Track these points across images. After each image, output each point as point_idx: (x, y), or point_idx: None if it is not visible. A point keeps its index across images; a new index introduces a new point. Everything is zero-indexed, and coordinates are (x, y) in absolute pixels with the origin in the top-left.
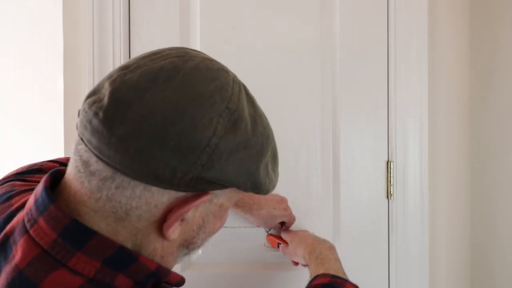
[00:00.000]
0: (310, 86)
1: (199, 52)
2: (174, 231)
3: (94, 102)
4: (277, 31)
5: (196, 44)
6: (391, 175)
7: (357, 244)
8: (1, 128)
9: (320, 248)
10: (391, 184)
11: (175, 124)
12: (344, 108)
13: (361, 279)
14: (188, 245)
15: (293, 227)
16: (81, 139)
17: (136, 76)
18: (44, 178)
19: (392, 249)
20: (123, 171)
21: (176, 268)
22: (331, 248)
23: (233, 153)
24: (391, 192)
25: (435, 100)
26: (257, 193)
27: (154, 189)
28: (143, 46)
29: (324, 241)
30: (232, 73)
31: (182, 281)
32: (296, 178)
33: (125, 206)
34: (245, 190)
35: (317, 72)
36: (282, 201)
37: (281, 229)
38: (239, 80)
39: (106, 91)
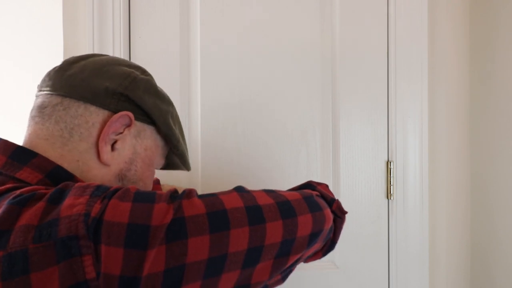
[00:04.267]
0: (310, 86)
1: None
2: (107, 154)
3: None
4: (277, 31)
5: (196, 44)
6: (391, 175)
7: (357, 244)
8: (1, 128)
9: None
10: (391, 184)
11: (105, 66)
12: (344, 108)
13: (361, 279)
14: (122, 177)
15: None
16: (37, 96)
17: (75, 56)
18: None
19: (392, 249)
20: (70, 96)
21: None
22: None
23: (148, 92)
24: (391, 192)
25: (435, 100)
26: (169, 141)
27: (93, 108)
28: (143, 46)
29: None
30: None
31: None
32: (296, 178)
33: (69, 125)
34: (160, 126)
35: (317, 72)
36: None
37: None
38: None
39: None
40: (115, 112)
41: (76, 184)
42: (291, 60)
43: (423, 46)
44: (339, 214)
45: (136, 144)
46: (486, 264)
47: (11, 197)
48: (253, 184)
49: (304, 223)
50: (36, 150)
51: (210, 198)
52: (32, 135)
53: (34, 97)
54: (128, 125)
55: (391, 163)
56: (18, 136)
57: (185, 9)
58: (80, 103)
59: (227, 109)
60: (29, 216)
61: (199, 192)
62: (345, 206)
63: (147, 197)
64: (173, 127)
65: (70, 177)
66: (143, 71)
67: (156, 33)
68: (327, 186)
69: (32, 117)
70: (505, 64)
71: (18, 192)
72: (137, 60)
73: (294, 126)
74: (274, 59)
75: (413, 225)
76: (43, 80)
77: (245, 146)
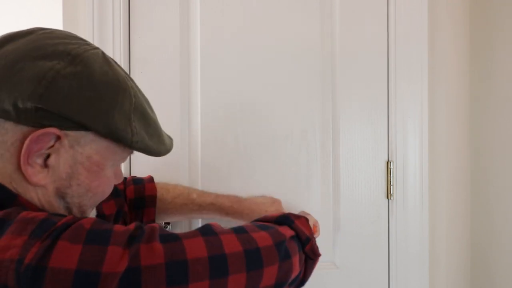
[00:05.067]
0: (310, 86)
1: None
2: (37, 175)
3: None
4: (277, 31)
5: (196, 43)
6: (391, 175)
7: (357, 244)
8: None
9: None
10: (391, 184)
11: (18, 63)
12: (344, 108)
13: (361, 279)
14: (63, 195)
15: None
16: None
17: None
18: None
19: (392, 249)
20: None
21: None
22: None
23: (76, 91)
24: (391, 192)
25: (435, 100)
26: (118, 140)
27: (8, 125)
28: (143, 46)
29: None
30: (96, 46)
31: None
32: (296, 178)
33: None
34: (99, 132)
35: (317, 72)
36: (275, 202)
37: None
38: (101, 50)
39: None
40: (35, 126)
41: (20, 216)
42: (291, 60)
43: (423, 46)
44: (312, 256)
45: (75, 154)
46: (486, 264)
47: None
48: (253, 185)
49: (270, 274)
50: None
51: (172, 244)
52: None
53: None
54: (57, 139)
55: (391, 163)
56: None
57: (185, 9)
58: None
59: (227, 109)
60: None
61: None
62: (345, 206)
63: (102, 237)
64: (122, 125)
65: (12, 196)
66: (75, 56)
67: (156, 33)
68: (306, 220)
69: None
70: (505, 64)
71: None
72: (137, 60)
73: (294, 126)
74: (274, 59)
75: (413, 225)
76: None
77: (245, 146)
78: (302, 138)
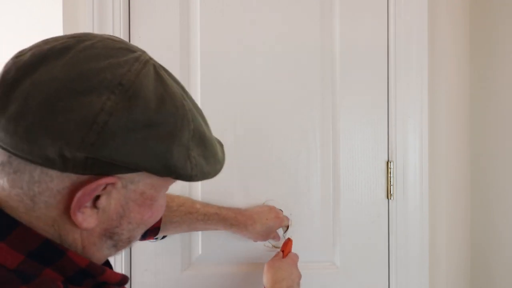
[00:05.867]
0: (310, 86)
1: (110, 35)
2: (87, 219)
3: None
4: (277, 31)
5: (196, 43)
6: (391, 175)
7: (357, 244)
8: None
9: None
10: (391, 184)
11: (60, 100)
12: (344, 108)
13: (361, 279)
14: (111, 235)
15: (293, 227)
16: None
17: (27, 57)
18: None
19: (392, 249)
20: (16, 154)
21: (176, 268)
22: None
23: (131, 132)
24: (391, 192)
25: (435, 100)
26: (177, 178)
27: (52, 172)
28: (143, 46)
29: (288, 280)
30: (142, 53)
31: (123, 279)
32: (296, 178)
33: (28, 192)
34: (157, 173)
35: (317, 72)
36: (271, 210)
37: (284, 233)
38: (150, 60)
39: None
40: (85, 174)
41: None
42: (291, 60)
43: (423, 46)
44: None
45: (127, 193)
46: (486, 264)
47: None
48: (253, 185)
49: None
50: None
51: None
52: None
53: None
54: (111, 183)
55: (391, 163)
56: None
57: (185, 9)
58: (33, 166)
59: (227, 109)
60: None
61: (199, 196)
62: (345, 206)
63: None
64: (181, 161)
65: (60, 253)
66: (127, 86)
67: (156, 33)
68: None
69: None
70: (505, 64)
71: None
72: None
73: (294, 126)
74: (274, 58)
75: (413, 225)
76: None
77: (245, 146)
78: (302, 138)
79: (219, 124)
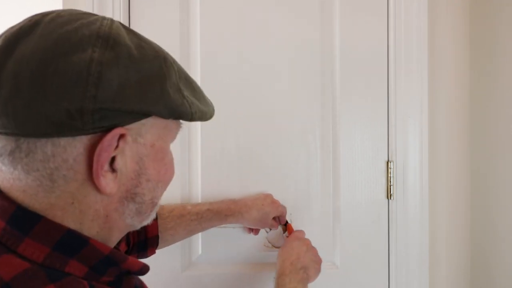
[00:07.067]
0: (310, 86)
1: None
2: (109, 184)
3: None
4: (277, 31)
5: (196, 43)
6: (391, 175)
7: (357, 244)
8: None
9: (290, 277)
10: (391, 184)
11: (49, 67)
12: (344, 108)
13: (361, 279)
14: (133, 197)
15: (293, 227)
16: None
17: (0, 43)
18: None
19: (392, 249)
20: (23, 134)
21: (176, 268)
22: (301, 281)
23: (125, 77)
24: (391, 192)
25: (435, 100)
26: (179, 117)
27: (63, 141)
28: None
29: (301, 270)
30: (105, 16)
31: (145, 268)
32: (296, 178)
33: (45, 172)
34: (161, 115)
35: (317, 72)
36: (267, 196)
37: (281, 224)
38: (116, 20)
39: None
40: (95, 132)
41: None
42: (291, 60)
43: (423, 46)
44: None
45: (138, 147)
46: (486, 264)
47: None
48: (253, 185)
49: None
50: (31, 208)
51: None
52: (6, 187)
53: None
54: (120, 137)
55: (391, 163)
56: None
57: (185, 8)
58: (44, 140)
59: (226, 108)
60: None
61: (199, 196)
62: (345, 206)
63: None
64: (178, 99)
65: (83, 243)
66: (105, 36)
67: (156, 33)
68: None
69: None
70: (505, 64)
71: None
72: None
73: (294, 126)
74: (274, 58)
75: (413, 225)
76: None
77: (245, 146)
78: (302, 138)
79: (219, 124)
